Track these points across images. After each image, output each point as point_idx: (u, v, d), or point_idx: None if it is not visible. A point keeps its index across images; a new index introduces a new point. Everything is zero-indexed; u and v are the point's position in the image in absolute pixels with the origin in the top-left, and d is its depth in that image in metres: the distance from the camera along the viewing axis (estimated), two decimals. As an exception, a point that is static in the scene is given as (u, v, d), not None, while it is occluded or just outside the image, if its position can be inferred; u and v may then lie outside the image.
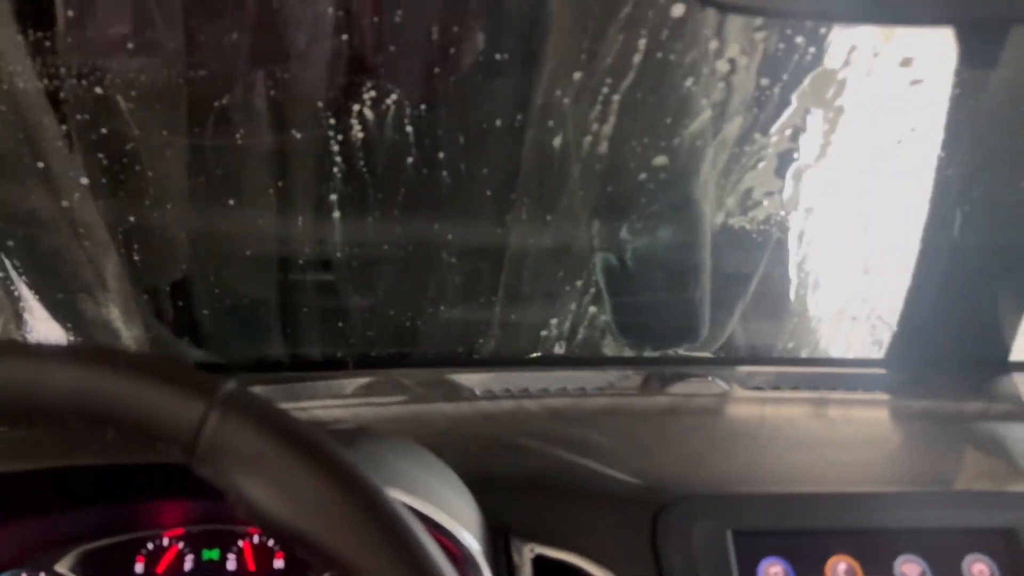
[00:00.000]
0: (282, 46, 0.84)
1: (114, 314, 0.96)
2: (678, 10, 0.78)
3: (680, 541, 0.57)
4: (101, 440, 0.35)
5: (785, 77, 0.87)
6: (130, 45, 0.82)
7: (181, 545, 0.63)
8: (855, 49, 0.85)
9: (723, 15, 0.76)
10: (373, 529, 0.35)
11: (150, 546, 0.63)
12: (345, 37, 0.84)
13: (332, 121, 0.86)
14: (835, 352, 1.11)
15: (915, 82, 0.90)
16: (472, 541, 0.54)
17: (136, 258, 0.92)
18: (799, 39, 0.83)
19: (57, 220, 0.88)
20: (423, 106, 0.87)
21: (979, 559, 0.58)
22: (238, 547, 0.64)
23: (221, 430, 0.34)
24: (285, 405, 0.79)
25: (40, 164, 0.85)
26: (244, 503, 0.35)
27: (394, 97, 0.86)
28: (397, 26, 0.84)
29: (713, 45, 0.82)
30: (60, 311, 0.98)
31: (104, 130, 0.86)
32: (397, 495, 0.52)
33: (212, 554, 0.64)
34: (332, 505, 0.35)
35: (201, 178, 0.90)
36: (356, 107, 0.86)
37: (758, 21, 0.76)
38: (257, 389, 0.83)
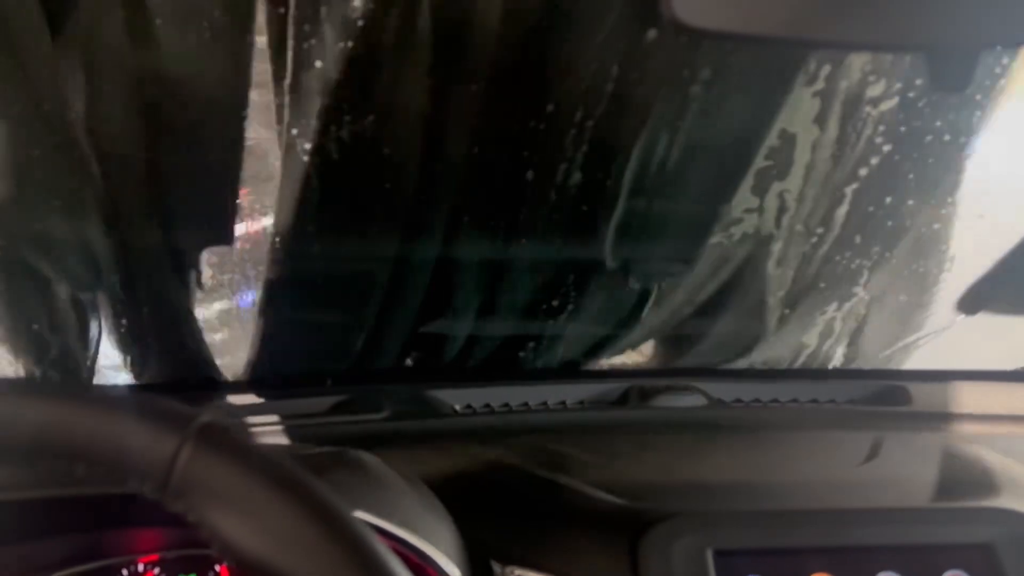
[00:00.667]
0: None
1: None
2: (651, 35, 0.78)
3: (660, 562, 0.56)
4: (70, 476, 0.34)
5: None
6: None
7: (156, 571, 0.63)
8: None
9: (696, 40, 0.77)
10: (346, 563, 0.35)
11: (125, 573, 0.62)
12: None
13: (307, 146, 0.85)
14: (818, 365, 1.12)
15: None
16: (450, 566, 0.54)
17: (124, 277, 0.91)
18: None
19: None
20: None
21: (958, 575, 0.59)
22: (214, 571, 0.63)
23: (192, 466, 0.34)
24: (264, 422, 0.79)
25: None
26: (217, 538, 0.35)
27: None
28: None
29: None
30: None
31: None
32: (373, 521, 0.52)
33: None
34: (304, 539, 0.34)
35: (176, 192, 0.88)
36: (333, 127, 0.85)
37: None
38: (237, 401, 0.83)
